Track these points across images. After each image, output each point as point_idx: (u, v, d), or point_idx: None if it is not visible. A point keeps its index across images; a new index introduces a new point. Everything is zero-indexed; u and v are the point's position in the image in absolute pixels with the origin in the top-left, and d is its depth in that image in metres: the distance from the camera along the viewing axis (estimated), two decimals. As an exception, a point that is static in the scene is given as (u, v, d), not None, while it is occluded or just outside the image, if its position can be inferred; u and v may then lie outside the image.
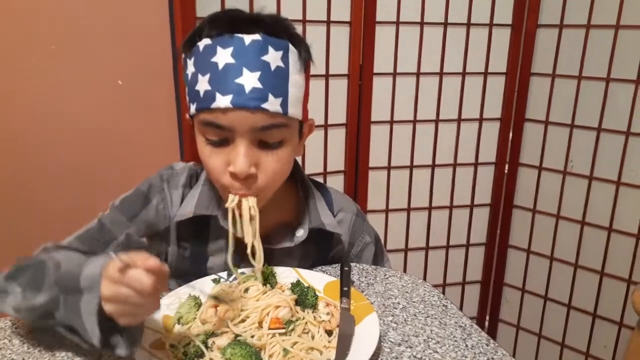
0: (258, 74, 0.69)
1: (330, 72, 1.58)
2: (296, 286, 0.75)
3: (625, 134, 1.58)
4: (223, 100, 0.68)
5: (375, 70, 1.63)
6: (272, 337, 0.66)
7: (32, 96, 1.41)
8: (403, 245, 1.85)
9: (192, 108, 0.73)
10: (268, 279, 0.78)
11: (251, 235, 0.75)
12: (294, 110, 0.73)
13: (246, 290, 0.75)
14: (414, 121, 1.72)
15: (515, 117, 1.77)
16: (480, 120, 1.77)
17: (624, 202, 1.62)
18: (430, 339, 0.72)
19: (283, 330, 0.68)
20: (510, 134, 1.79)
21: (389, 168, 1.75)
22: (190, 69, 0.72)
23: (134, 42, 1.45)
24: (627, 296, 1.66)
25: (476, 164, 1.82)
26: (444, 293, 1.89)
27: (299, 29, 0.77)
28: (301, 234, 0.85)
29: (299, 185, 0.89)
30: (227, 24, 0.71)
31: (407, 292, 0.84)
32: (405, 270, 1.88)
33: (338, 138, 1.67)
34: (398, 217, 1.81)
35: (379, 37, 1.60)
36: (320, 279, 0.82)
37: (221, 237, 0.84)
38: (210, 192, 0.83)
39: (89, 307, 0.60)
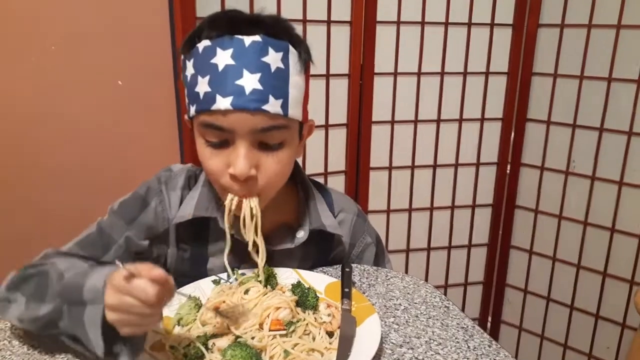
0: (258, 75, 0.68)
1: (331, 72, 1.58)
2: (297, 287, 0.75)
3: (628, 133, 1.57)
4: (223, 102, 0.68)
5: (376, 70, 1.62)
6: (272, 339, 0.66)
7: (32, 96, 1.41)
8: (404, 246, 1.84)
9: (192, 110, 0.72)
10: (268, 280, 0.78)
11: (252, 233, 0.75)
12: (294, 112, 0.73)
13: (246, 291, 0.74)
14: (415, 121, 1.72)
15: (517, 117, 1.77)
16: (482, 120, 1.77)
17: (627, 202, 1.62)
18: (432, 341, 0.71)
19: (284, 332, 0.67)
20: (512, 134, 1.79)
21: (390, 168, 1.75)
22: (190, 70, 0.72)
23: (134, 42, 1.45)
24: (629, 297, 1.66)
25: (478, 164, 1.81)
26: (445, 294, 1.89)
27: (299, 28, 0.76)
28: (302, 235, 0.85)
29: (300, 186, 0.89)
30: (227, 25, 0.70)
31: (408, 293, 0.84)
32: (406, 271, 1.87)
33: (339, 138, 1.66)
34: (399, 217, 1.81)
35: (380, 37, 1.60)
36: (321, 280, 0.82)
37: (221, 239, 0.84)
38: (209, 194, 0.83)
39: (92, 319, 0.60)
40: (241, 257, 0.81)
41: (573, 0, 1.60)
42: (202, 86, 0.69)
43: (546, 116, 1.72)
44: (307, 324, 0.70)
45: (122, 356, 0.60)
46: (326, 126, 1.62)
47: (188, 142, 1.47)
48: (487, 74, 1.72)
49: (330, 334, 0.70)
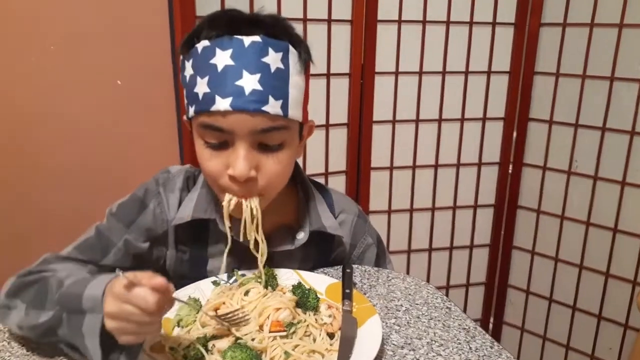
0: (258, 76, 0.68)
1: (332, 72, 1.57)
2: (297, 288, 0.74)
3: (630, 133, 1.57)
4: (222, 103, 0.67)
5: (377, 69, 1.62)
6: (273, 340, 0.66)
7: (32, 96, 1.40)
8: (406, 247, 1.84)
9: (191, 110, 0.72)
10: (269, 281, 0.77)
11: (253, 234, 0.74)
12: (295, 112, 0.72)
13: (246, 292, 0.74)
14: (417, 121, 1.71)
15: (519, 117, 1.76)
16: (484, 119, 1.76)
17: (629, 202, 1.61)
18: (433, 342, 0.71)
19: (284, 333, 0.67)
20: (514, 134, 1.78)
21: (391, 168, 1.74)
22: (189, 71, 0.71)
23: (134, 42, 1.45)
24: (632, 297, 1.65)
25: (479, 164, 1.81)
26: (447, 295, 1.88)
27: (299, 27, 0.76)
28: (302, 236, 0.84)
29: (300, 187, 0.88)
30: (226, 25, 0.69)
31: (410, 294, 0.84)
32: (408, 272, 1.87)
33: (339, 138, 1.66)
34: (400, 218, 1.80)
35: (381, 36, 1.59)
36: (322, 281, 0.81)
37: (220, 240, 0.84)
38: (208, 195, 0.82)
39: (91, 328, 0.60)
40: (241, 258, 0.81)
41: (575, -1, 1.59)
42: (201, 87, 0.68)
43: (548, 116, 1.71)
44: (307, 325, 0.69)
45: None
46: (327, 126, 1.62)
47: (188, 142, 1.47)
48: (489, 73, 1.72)
49: (331, 335, 0.69)
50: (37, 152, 1.44)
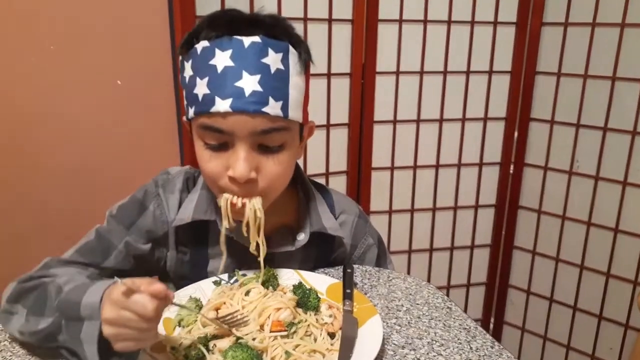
0: (258, 76, 0.67)
1: (332, 71, 1.57)
2: (298, 288, 0.74)
3: (632, 133, 1.56)
4: (222, 104, 0.67)
5: (377, 69, 1.62)
6: (273, 340, 0.66)
7: (32, 96, 1.40)
8: (407, 247, 1.84)
9: (190, 112, 0.71)
10: (270, 281, 0.77)
11: (256, 235, 0.74)
12: (295, 113, 0.72)
13: (247, 292, 0.73)
14: (418, 121, 1.71)
15: (520, 117, 1.76)
16: (485, 119, 1.76)
17: (631, 202, 1.61)
18: (434, 342, 0.71)
19: (285, 333, 0.67)
20: (516, 134, 1.78)
21: (392, 168, 1.74)
22: (188, 71, 0.71)
23: (134, 42, 1.44)
24: (633, 298, 1.65)
25: (481, 164, 1.80)
26: (448, 295, 1.88)
27: (300, 27, 0.75)
28: (302, 238, 0.84)
29: (300, 188, 0.88)
30: (226, 26, 0.69)
31: (410, 294, 0.83)
32: (409, 272, 1.87)
33: (340, 138, 1.66)
34: (401, 218, 1.80)
35: (382, 36, 1.59)
36: (322, 281, 0.81)
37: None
38: (208, 197, 0.82)
39: (89, 335, 0.60)
40: (241, 259, 0.80)
41: (576, -1, 1.59)
42: (201, 88, 0.68)
43: (550, 116, 1.71)
44: (308, 325, 0.69)
45: None
46: (327, 126, 1.62)
47: (188, 143, 1.47)
48: (490, 73, 1.72)
49: (331, 335, 0.69)
50: (37, 152, 1.44)
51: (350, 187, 1.71)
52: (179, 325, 0.71)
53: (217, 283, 0.79)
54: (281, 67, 0.69)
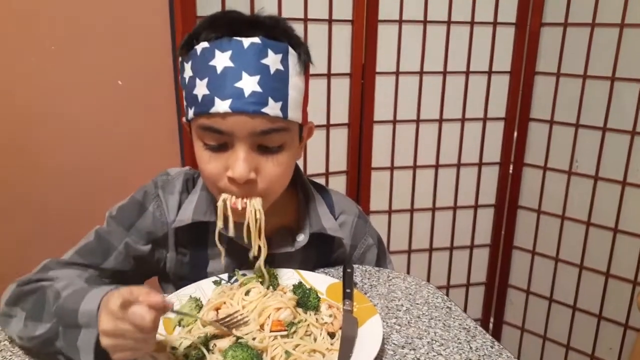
0: (257, 77, 0.67)
1: (332, 72, 1.57)
2: (298, 288, 0.74)
3: (631, 133, 1.57)
4: (222, 105, 0.67)
5: (377, 69, 1.62)
6: (273, 340, 0.66)
7: (32, 96, 1.40)
8: (406, 247, 1.84)
9: (190, 112, 0.72)
10: (270, 281, 0.77)
11: (256, 236, 0.74)
12: (294, 114, 0.72)
13: (247, 292, 0.74)
14: (417, 121, 1.71)
15: (519, 117, 1.76)
16: (484, 119, 1.76)
17: (630, 202, 1.61)
18: (434, 341, 0.71)
19: (285, 333, 0.67)
20: (515, 134, 1.78)
21: (391, 168, 1.74)
22: (188, 72, 0.71)
23: (134, 42, 1.44)
24: (632, 298, 1.65)
25: (480, 164, 1.81)
26: (447, 295, 1.88)
27: (300, 28, 0.75)
28: (302, 238, 0.84)
29: (299, 189, 0.88)
30: (226, 27, 0.69)
31: (410, 294, 0.83)
32: (408, 272, 1.87)
33: (340, 138, 1.66)
34: (401, 218, 1.80)
35: (382, 36, 1.59)
36: (322, 281, 0.81)
37: (220, 242, 0.83)
38: (208, 198, 0.82)
39: (86, 343, 0.60)
40: (240, 259, 0.80)
41: (576, -1, 1.59)
42: (201, 89, 0.68)
43: (549, 116, 1.71)
44: (308, 325, 0.69)
45: None
46: (327, 126, 1.62)
47: (188, 143, 1.46)
48: (489, 73, 1.72)
49: (331, 335, 0.69)
50: (38, 152, 1.44)
51: (350, 187, 1.71)
52: (179, 325, 0.70)
53: (217, 283, 0.79)
54: (281, 68, 0.69)
